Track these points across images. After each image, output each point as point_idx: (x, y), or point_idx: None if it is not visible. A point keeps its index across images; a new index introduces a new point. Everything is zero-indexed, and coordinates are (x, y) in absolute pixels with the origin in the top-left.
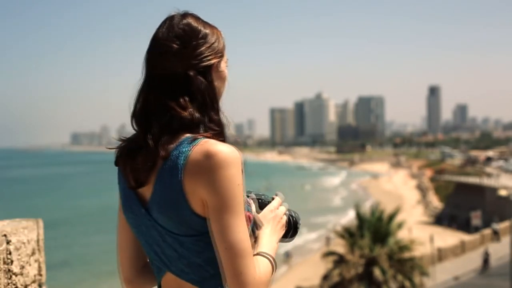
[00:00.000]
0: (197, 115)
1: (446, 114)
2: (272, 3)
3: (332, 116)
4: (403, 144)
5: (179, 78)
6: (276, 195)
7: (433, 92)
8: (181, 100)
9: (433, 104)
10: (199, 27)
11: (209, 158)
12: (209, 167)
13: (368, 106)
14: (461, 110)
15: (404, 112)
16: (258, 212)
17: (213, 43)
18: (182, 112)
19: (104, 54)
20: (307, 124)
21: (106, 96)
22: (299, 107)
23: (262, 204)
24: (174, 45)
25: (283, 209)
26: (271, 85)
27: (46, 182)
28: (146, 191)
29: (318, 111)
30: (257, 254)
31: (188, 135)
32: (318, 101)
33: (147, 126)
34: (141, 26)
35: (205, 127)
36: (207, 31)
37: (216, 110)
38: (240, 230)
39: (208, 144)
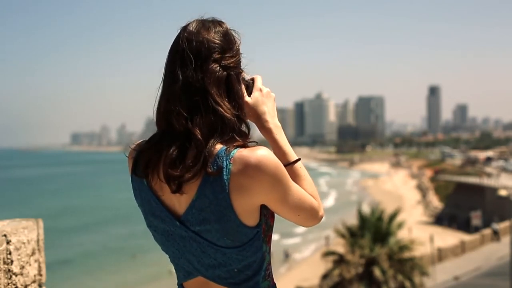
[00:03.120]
0: (235, 117)
1: (446, 114)
2: (272, 4)
3: (332, 116)
4: (403, 144)
5: (223, 77)
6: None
7: (433, 92)
8: (226, 100)
9: (433, 104)
10: (236, 38)
11: (254, 168)
12: (258, 176)
13: (368, 106)
14: (461, 110)
15: (404, 112)
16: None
17: (241, 54)
18: (228, 111)
19: (104, 54)
20: (307, 124)
21: (106, 96)
22: (299, 107)
23: (248, 85)
24: (222, 44)
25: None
26: (271, 85)
27: (46, 182)
28: (177, 202)
29: (318, 111)
30: (285, 166)
31: (221, 145)
32: (318, 101)
33: (192, 125)
34: (142, 26)
35: (237, 130)
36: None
37: (245, 114)
38: (298, 194)
39: (248, 154)
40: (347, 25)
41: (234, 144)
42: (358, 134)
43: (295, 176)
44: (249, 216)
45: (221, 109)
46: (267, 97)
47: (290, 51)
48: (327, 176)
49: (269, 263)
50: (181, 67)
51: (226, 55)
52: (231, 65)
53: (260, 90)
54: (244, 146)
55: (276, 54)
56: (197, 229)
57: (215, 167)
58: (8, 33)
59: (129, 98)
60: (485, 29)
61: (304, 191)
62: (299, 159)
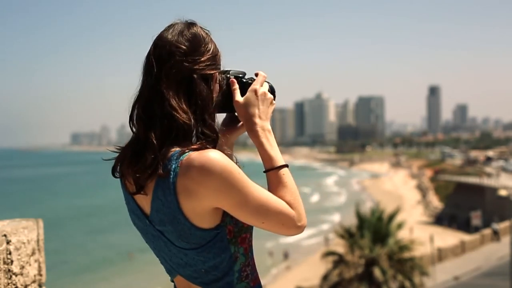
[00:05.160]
0: (193, 120)
1: (446, 114)
2: (272, 3)
3: (332, 116)
4: (403, 144)
5: (184, 80)
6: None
7: (433, 92)
8: (183, 102)
9: (433, 104)
10: (206, 38)
11: (197, 171)
12: (202, 180)
13: (368, 106)
14: (461, 110)
15: (404, 112)
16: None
17: (216, 55)
18: (182, 115)
19: (104, 54)
20: (307, 124)
21: (106, 96)
22: (299, 107)
23: (245, 85)
24: (183, 47)
25: (266, 85)
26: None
27: (46, 182)
28: (145, 202)
29: (318, 111)
30: (268, 170)
31: (176, 149)
32: (318, 101)
33: (148, 129)
34: (141, 26)
35: (199, 133)
36: (212, 43)
37: (212, 116)
38: (261, 200)
39: (194, 157)
40: (347, 25)
41: (192, 147)
42: (358, 134)
43: (277, 183)
44: (201, 219)
45: (175, 113)
46: (262, 99)
47: (290, 51)
48: (334, 175)
49: (247, 265)
50: (144, 72)
51: (190, 57)
52: (195, 67)
53: (255, 90)
54: (201, 149)
55: (276, 54)
56: (159, 229)
57: (165, 170)
58: (8, 33)
59: (129, 98)
60: (485, 29)
61: (273, 197)
62: (284, 166)
